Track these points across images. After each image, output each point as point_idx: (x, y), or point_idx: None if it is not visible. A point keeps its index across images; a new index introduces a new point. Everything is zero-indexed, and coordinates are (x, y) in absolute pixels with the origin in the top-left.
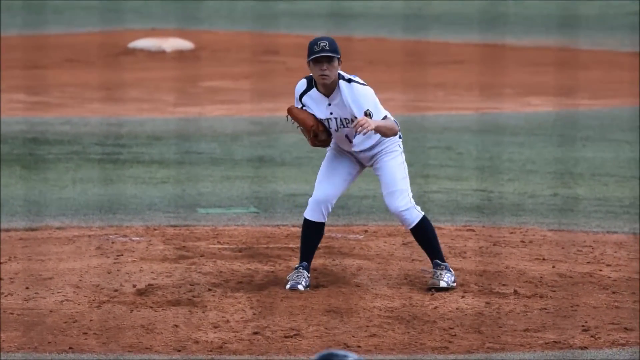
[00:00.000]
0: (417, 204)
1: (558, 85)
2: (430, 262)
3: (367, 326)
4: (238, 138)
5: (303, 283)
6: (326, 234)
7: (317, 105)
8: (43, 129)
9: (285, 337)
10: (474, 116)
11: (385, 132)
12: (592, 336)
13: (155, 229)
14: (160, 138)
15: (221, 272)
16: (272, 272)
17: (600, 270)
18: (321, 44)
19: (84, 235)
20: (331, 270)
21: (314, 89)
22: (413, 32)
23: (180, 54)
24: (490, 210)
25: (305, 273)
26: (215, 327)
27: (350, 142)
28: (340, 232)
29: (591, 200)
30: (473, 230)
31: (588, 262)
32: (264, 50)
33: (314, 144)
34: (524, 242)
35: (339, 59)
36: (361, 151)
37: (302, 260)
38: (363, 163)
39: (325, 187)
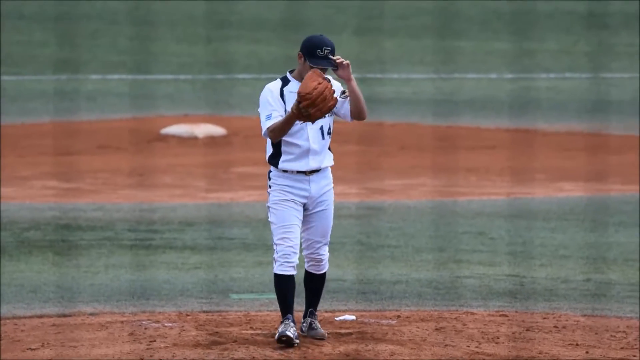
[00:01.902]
0: (450, 289)
1: (590, 170)
2: (305, 313)
3: None
4: (269, 224)
5: (292, 331)
6: (358, 319)
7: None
8: (75, 215)
9: None
10: (506, 201)
11: (359, 97)
12: None
13: (187, 315)
14: (192, 224)
15: (254, 357)
16: (305, 357)
17: (634, 356)
18: (325, 51)
19: (117, 321)
20: (364, 356)
21: (291, 82)
22: (444, 117)
23: (212, 140)
24: (523, 296)
25: (292, 324)
26: None
27: (323, 137)
28: (373, 318)
29: (624, 285)
30: (506, 316)
31: (622, 348)
32: None
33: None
34: (557, 327)
35: None
36: (316, 172)
37: (285, 314)
38: (307, 199)
39: (289, 237)
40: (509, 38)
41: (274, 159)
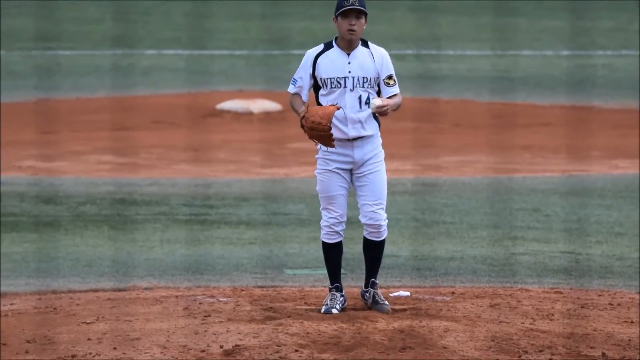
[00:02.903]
0: (504, 266)
1: None
2: (366, 283)
3: None
4: None
5: (337, 307)
6: (413, 295)
7: (334, 63)
8: (131, 189)
9: None
10: (561, 178)
11: (394, 109)
12: None
13: (242, 290)
14: (247, 199)
15: (308, 333)
16: (359, 333)
17: None
18: (351, 0)
19: (172, 295)
20: (418, 332)
21: (333, 48)
22: (500, 94)
23: (267, 116)
24: (578, 273)
25: (339, 295)
26: None
27: (360, 106)
28: (428, 294)
29: None
30: (561, 293)
31: None
32: None
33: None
34: (612, 304)
35: (366, 15)
36: (359, 139)
37: (333, 282)
38: (352, 164)
39: (334, 207)
40: (565, 15)
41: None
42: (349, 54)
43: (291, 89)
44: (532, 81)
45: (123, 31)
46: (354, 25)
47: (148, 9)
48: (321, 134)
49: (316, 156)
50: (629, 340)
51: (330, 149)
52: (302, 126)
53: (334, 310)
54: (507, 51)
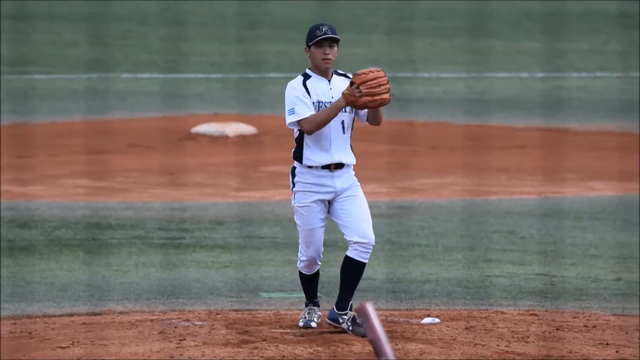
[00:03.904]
0: (480, 288)
1: (621, 169)
2: (343, 305)
3: None
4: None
5: (315, 320)
6: (388, 317)
7: (319, 88)
8: (106, 213)
9: None
10: (537, 200)
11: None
12: None
13: (217, 314)
14: (222, 222)
15: (284, 356)
16: (335, 356)
17: None
18: (323, 28)
19: (147, 319)
20: (395, 356)
21: (312, 76)
22: (475, 116)
23: (242, 139)
24: (553, 295)
25: (317, 309)
26: None
27: (344, 131)
28: (403, 317)
29: None
30: (536, 315)
31: None
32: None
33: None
34: (587, 326)
35: (338, 42)
36: (340, 168)
37: (310, 299)
38: (333, 194)
39: (312, 246)
40: (540, 37)
41: (298, 154)
42: (329, 81)
43: (301, 112)
44: (507, 103)
45: (99, 55)
46: (328, 54)
47: (124, 33)
48: (378, 81)
49: (293, 189)
50: None
51: (310, 181)
52: (361, 96)
53: (313, 324)
54: (482, 73)
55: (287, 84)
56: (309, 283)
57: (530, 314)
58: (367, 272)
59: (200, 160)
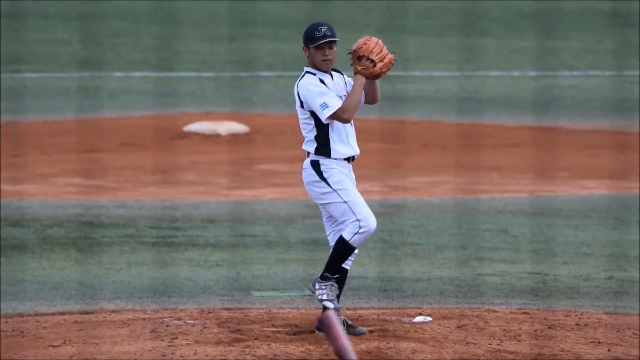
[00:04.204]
0: (471, 287)
1: (613, 168)
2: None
3: None
4: (292, 221)
5: (334, 302)
6: (380, 316)
7: (329, 83)
8: (98, 212)
9: None
10: (529, 199)
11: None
12: None
13: (209, 312)
14: (214, 221)
15: (275, 355)
16: (327, 355)
17: None
18: (322, 29)
19: (139, 318)
20: (386, 354)
21: (316, 73)
22: (467, 115)
23: (234, 138)
24: (545, 293)
25: (336, 286)
26: None
27: (352, 124)
28: (395, 315)
29: None
30: (528, 314)
31: None
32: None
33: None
34: (579, 325)
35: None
36: (352, 161)
37: (337, 272)
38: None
39: (368, 208)
40: (533, 36)
41: (324, 149)
42: (331, 77)
43: (334, 103)
44: (499, 102)
45: (91, 53)
46: (328, 55)
47: (116, 31)
48: (379, 46)
49: (324, 175)
50: None
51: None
52: (374, 66)
53: (335, 304)
54: (475, 72)
55: (296, 84)
56: (346, 257)
57: (522, 313)
58: (358, 270)
59: (192, 159)
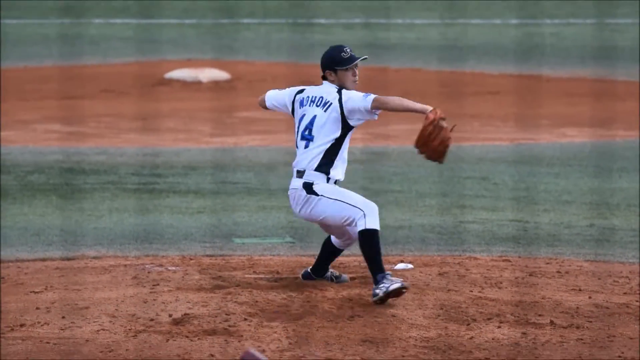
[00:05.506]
0: (453, 234)
1: (594, 116)
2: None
3: (403, 356)
4: (274, 168)
5: (402, 282)
6: (363, 263)
7: None
8: (79, 159)
9: None
10: (510, 147)
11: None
12: None
13: (191, 259)
14: (196, 168)
15: (257, 301)
16: (308, 301)
17: (637, 301)
18: (348, 51)
19: (120, 264)
20: (367, 301)
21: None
22: (449, 63)
23: (216, 85)
24: (526, 241)
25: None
26: None
27: None
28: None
29: (627, 231)
30: (509, 261)
31: (625, 293)
32: (299, 80)
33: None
34: (560, 272)
35: None
36: None
37: (382, 269)
38: None
39: (362, 197)
40: None
41: (327, 168)
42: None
43: (375, 94)
44: (480, 50)
45: (71, 0)
46: (356, 76)
47: None
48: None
49: (319, 193)
50: (577, 307)
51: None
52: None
53: (407, 283)
54: (456, 20)
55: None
56: (379, 247)
57: (504, 260)
58: None
59: (173, 106)
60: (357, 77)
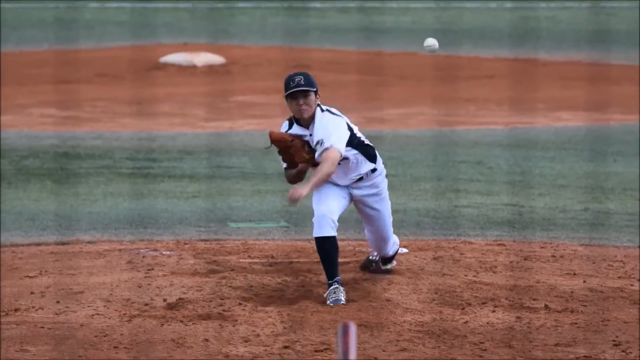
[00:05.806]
0: (448, 218)
1: (589, 100)
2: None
3: (398, 340)
4: (269, 152)
5: (342, 297)
6: (357, 247)
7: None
8: (74, 143)
9: (316, 351)
10: (505, 131)
11: (322, 179)
12: (623, 351)
13: (185, 243)
14: (191, 152)
15: (251, 286)
16: (303, 286)
17: (632, 285)
18: (296, 79)
19: (115, 249)
20: (362, 285)
21: (294, 125)
22: (444, 46)
23: (211, 69)
24: (521, 225)
25: (342, 288)
26: (246, 341)
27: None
28: (371, 247)
29: (622, 214)
30: (504, 245)
31: (619, 277)
32: (294, 64)
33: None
34: (554, 256)
35: (315, 92)
36: (353, 186)
37: (332, 277)
38: (355, 198)
39: (325, 203)
40: None
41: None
42: (307, 128)
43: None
44: (476, 33)
45: None
46: (302, 105)
47: None
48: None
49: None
50: (572, 292)
51: None
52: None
53: (342, 302)
54: (451, 3)
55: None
56: (326, 254)
57: (498, 244)
58: None
59: (168, 90)
60: (303, 105)
